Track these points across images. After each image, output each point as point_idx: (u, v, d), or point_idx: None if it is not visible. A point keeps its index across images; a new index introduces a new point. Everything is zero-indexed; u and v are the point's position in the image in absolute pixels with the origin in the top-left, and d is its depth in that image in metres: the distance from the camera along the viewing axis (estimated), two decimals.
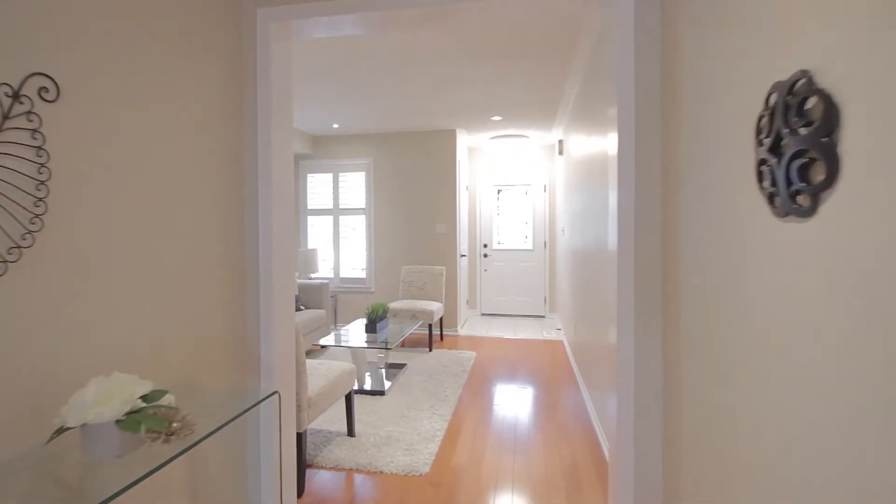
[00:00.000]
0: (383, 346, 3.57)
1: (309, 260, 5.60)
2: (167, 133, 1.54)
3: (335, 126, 5.44)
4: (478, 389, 3.83)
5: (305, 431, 2.38)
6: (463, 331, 5.95)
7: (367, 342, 3.72)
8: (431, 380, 3.99)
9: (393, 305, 4.96)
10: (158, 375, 1.51)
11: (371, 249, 5.87)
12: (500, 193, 6.92)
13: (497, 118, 5.16)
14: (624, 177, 1.65)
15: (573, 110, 4.26)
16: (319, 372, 2.65)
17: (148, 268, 1.47)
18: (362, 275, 5.94)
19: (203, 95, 1.70)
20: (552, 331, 6.00)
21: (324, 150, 5.94)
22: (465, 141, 6.32)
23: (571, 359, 4.61)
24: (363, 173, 5.88)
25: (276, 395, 1.87)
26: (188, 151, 1.63)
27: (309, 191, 6.04)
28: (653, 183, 1.63)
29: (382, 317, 4.06)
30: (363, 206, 5.91)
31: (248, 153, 1.95)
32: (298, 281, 5.03)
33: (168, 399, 1.25)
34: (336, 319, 5.99)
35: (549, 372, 4.31)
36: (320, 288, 4.98)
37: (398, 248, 5.82)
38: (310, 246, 6.07)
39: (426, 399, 3.54)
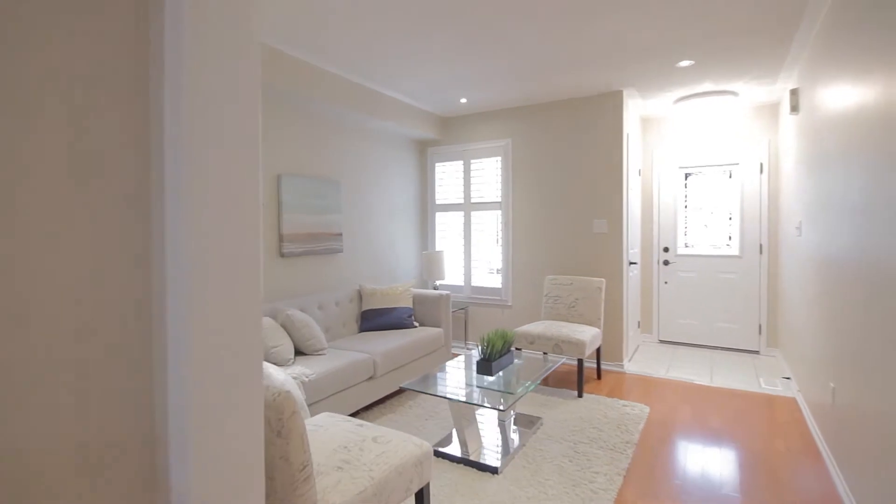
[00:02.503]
0: (497, 401, 2.38)
1: (434, 265, 4.69)
2: None
3: (463, 101, 4.42)
4: (650, 482, 2.36)
5: None
6: (631, 365, 4.37)
7: (476, 387, 2.58)
8: (575, 453, 2.64)
9: (528, 329, 3.72)
10: None
11: (507, 253, 4.69)
12: (689, 178, 5.07)
13: (686, 63, 3.51)
14: None
15: (827, 32, 2.45)
16: (360, 463, 1.60)
17: None
18: (497, 284, 4.81)
19: None
20: (775, 379, 4.01)
21: (453, 133, 4.98)
22: (636, 108, 4.70)
23: (817, 435, 2.76)
24: (498, 158, 4.74)
25: None
26: None
27: (437, 183, 5.15)
28: None
29: (504, 351, 2.87)
30: (498, 198, 4.77)
31: (155, 85, 0.99)
32: (415, 291, 4.14)
33: None
34: (466, 337, 4.98)
35: (777, 458, 2.57)
36: (438, 301, 4.01)
37: (541, 251, 4.54)
38: (437, 248, 5.18)
39: (561, 493, 2.24)
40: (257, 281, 1.07)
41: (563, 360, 3.29)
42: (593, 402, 3.39)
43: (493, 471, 2.42)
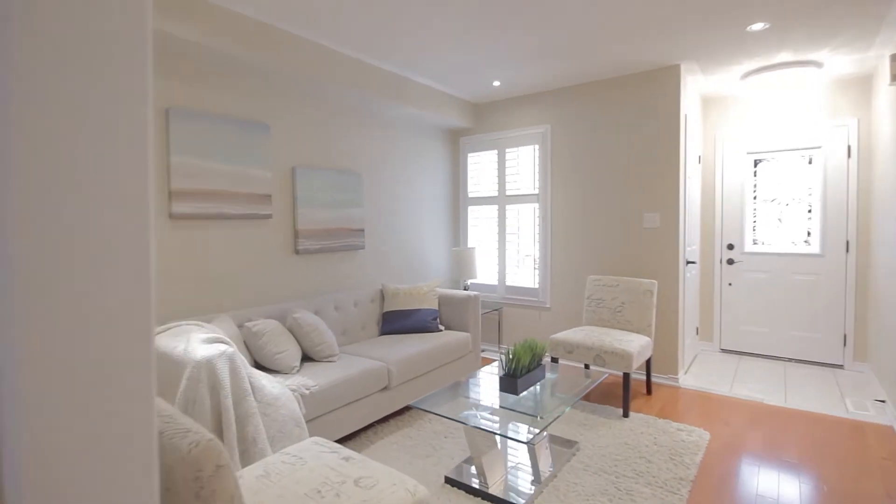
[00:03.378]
0: (521, 428, 2.02)
1: (465, 262, 4.35)
2: None
3: (496, 84, 4.02)
4: None
5: None
6: (688, 378, 3.84)
7: (499, 407, 2.22)
8: (617, 490, 2.23)
9: (567, 336, 3.30)
10: None
11: (545, 250, 4.27)
12: (759, 165, 4.43)
13: (758, 27, 2.95)
14: None
15: None
16: None
17: None
18: (534, 283, 4.40)
19: None
20: (865, 401, 3.37)
21: (487, 121, 4.59)
22: (695, 86, 4.13)
23: None
24: (536, 146, 4.31)
25: None
26: None
27: (469, 174, 4.78)
28: None
29: (533, 366, 2.48)
30: (535, 190, 4.34)
31: None
32: (441, 291, 3.81)
33: None
34: (500, 340, 4.60)
35: None
36: (465, 302, 3.66)
37: (583, 248, 4.08)
38: (469, 244, 4.82)
39: None
40: (147, 264, 0.77)
41: (607, 374, 2.85)
42: (641, 424, 2.94)
43: None
